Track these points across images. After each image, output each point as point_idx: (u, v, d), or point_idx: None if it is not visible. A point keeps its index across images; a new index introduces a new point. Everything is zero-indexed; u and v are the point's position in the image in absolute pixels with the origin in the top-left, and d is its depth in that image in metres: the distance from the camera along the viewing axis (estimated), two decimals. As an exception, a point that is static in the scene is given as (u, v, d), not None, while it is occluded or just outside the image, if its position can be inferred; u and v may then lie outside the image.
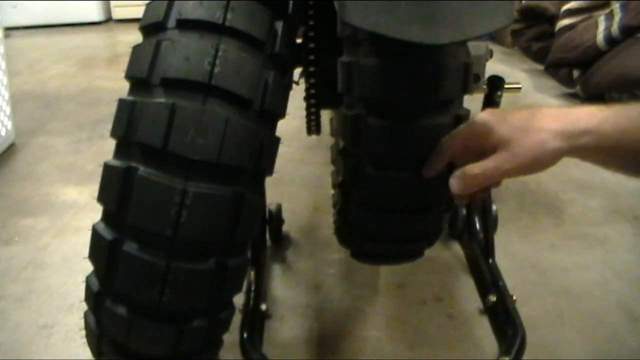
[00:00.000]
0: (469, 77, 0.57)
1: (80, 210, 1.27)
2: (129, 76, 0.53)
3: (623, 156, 0.49)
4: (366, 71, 0.55)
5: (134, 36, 0.54)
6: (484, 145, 0.51)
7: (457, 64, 0.55)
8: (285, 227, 1.11)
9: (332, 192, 0.77)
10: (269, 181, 0.59)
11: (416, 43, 0.45)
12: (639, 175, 0.53)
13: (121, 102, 0.51)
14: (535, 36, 2.34)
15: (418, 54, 0.53)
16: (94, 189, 0.52)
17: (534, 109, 0.51)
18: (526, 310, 0.83)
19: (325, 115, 0.98)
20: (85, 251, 0.53)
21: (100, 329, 0.54)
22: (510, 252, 1.07)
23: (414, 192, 0.60)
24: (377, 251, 0.70)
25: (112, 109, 0.52)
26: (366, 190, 0.61)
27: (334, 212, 0.74)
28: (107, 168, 0.51)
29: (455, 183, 0.51)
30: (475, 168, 0.50)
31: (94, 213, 0.52)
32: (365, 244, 0.68)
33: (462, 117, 0.57)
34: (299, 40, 0.67)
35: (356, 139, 0.59)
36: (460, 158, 0.54)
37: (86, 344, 0.58)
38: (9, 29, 3.21)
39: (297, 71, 0.73)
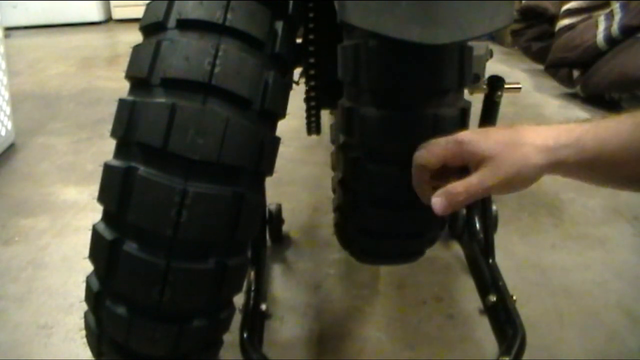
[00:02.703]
0: (466, 123, 0.59)
1: (80, 210, 1.27)
2: (129, 76, 0.53)
3: (605, 170, 0.49)
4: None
5: (134, 36, 0.54)
6: (467, 162, 0.50)
7: (454, 112, 0.57)
8: (285, 227, 1.11)
9: (332, 195, 0.77)
10: (269, 181, 0.59)
11: (416, 43, 0.45)
12: (624, 188, 0.52)
13: (121, 102, 0.51)
14: (535, 36, 2.34)
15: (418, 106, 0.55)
16: (94, 189, 0.52)
17: (517, 125, 0.51)
18: (526, 310, 0.83)
19: (325, 115, 0.98)
20: (85, 251, 0.53)
21: (100, 329, 0.54)
22: (510, 252, 1.07)
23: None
24: (378, 249, 0.70)
25: (112, 109, 0.52)
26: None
27: (334, 216, 0.74)
28: (107, 168, 0.51)
29: (438, 203, 0.50)
30: (458, 186, 0.49)
31: (94, 213, 0.52)
32: (366, 242, 0.68)
33: None
34: (299, 40, 0.67)
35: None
36: (438, 175, 0.53)
37: (86, 344, 0.58)
38: (9, 29, 3.21)
39: (297, 71, 0.73)
